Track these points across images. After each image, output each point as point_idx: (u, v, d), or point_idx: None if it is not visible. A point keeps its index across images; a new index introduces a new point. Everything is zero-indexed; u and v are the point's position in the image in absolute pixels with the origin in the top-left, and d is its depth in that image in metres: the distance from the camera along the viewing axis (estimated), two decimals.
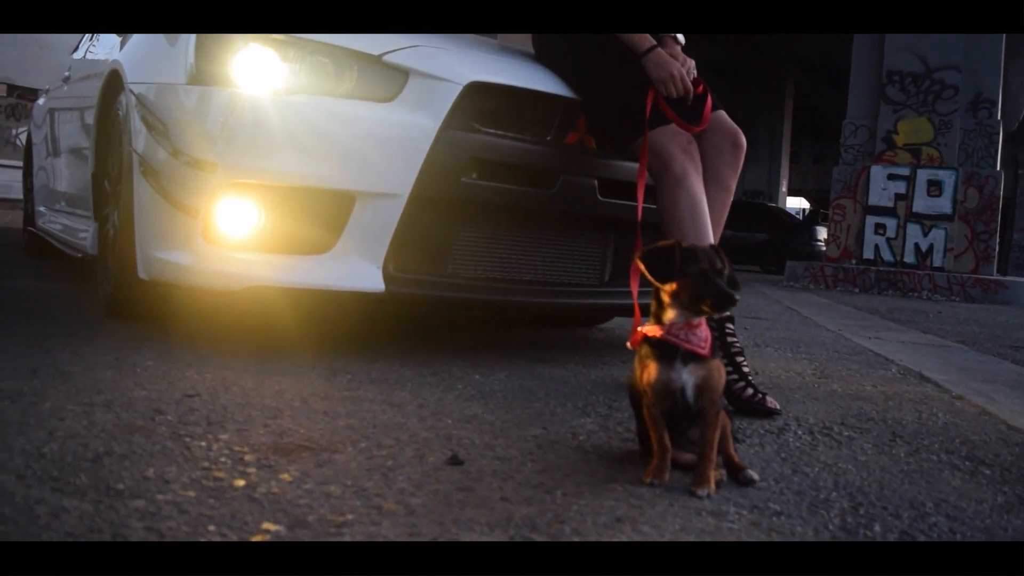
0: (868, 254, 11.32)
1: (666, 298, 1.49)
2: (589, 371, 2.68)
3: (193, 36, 2.44)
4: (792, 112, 24.38)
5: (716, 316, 1.48)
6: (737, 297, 1.45)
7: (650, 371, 1.48)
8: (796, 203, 35.53)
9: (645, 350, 1.51)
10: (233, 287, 2.36)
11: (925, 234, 11.01)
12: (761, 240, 17.20)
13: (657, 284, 1.50)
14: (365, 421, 1.77)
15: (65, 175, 4.30)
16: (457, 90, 2.45)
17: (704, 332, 1.49)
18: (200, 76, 2.40)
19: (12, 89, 15.42)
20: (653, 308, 1.52)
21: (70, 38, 14.00)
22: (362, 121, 2.39)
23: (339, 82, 2.42)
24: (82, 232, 3.50)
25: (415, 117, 2.41)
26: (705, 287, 1.46)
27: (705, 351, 1.48)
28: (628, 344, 1.60)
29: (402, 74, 2.45)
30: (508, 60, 2.78)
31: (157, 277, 2.48)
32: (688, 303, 1.47)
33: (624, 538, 1.23)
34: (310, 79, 2.40)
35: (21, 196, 8.56)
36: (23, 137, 12.29)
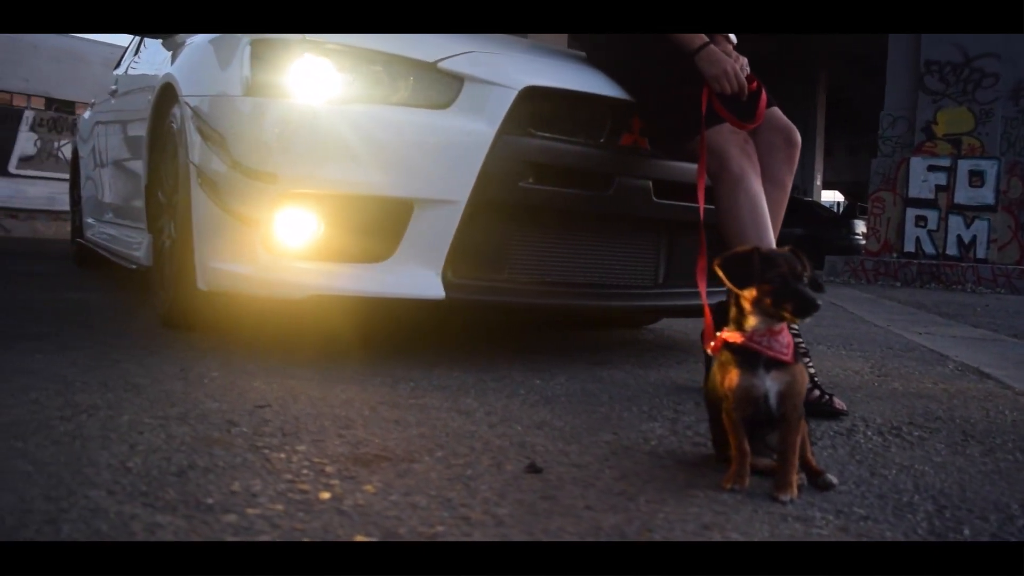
0: (909, 247, 11.18)
1: (746, 304, 1.48)
2: (647, 373, 2.66)
3: (248, 48, 2.46)
4: (825, 104, 24.10)
5: (799, 322, 1.46)
6: (820, 302, 1.43)
7: (732, 377, 1.47)
8: (830, 196, 35.18)
9: (726, 356, 1.49)
10: (294, 296, 2.38)
11: (968, 226, 10.85)
12: (798, 235, 17.00)
13: (736, 290, 1.48)
14: (436, 429, 1.77)
15: (114, 187, 4.36)
16: (512, 95, 2.44)
17: (786, 338, 1.47)
18: (256, 88, 2.43)
19: (50, 103, 15.64)
20: (733, 314, 1.50)
21: (107, 52, 14.19)
22: (419, 128, 2.39)
23: (394, 90, 2.43)
24: (135, 243, 3.54)
25: (471, 123, 2.41)
26: (786, 293, 1.43)
27: (788, 357, 1.46)
28: (708, 350, 1.59)
29: (457, 80, 2.45)
30: (560, 63, 2.77)
31: (217, 287, 2.50)
32: (769, 309, 1.45)
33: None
34: (366, 88, 2.41)
35: (65, 208, 8.64)
36: (65, 150, 12.46)
